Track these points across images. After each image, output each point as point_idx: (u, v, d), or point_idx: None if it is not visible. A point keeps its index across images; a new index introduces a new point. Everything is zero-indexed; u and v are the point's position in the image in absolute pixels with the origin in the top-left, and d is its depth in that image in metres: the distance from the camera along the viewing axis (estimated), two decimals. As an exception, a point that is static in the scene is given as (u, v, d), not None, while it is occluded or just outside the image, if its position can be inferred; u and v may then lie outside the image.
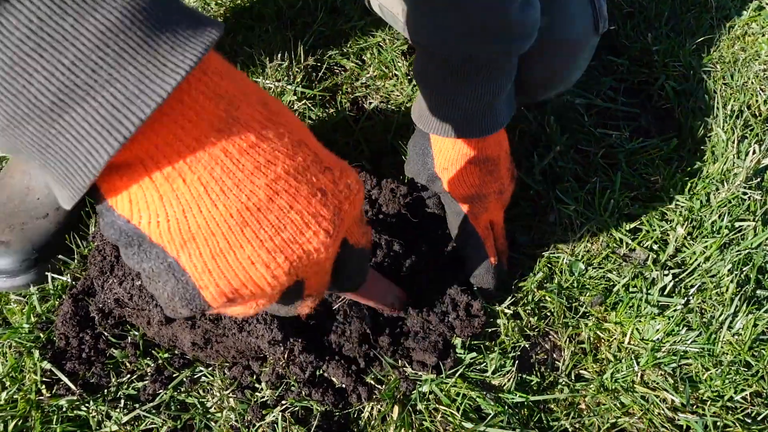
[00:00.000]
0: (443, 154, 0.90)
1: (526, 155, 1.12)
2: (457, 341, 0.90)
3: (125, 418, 0.85)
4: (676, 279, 0.98)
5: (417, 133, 0.94)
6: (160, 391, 0.87)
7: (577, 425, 0.87)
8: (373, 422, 0.85)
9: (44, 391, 0.87)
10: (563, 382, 0.90)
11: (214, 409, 0.86)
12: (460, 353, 0.89)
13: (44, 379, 0.88)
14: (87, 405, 0.86)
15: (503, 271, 0.97)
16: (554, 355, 0.93)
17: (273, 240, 0.39)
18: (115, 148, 0.33)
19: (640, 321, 0.94)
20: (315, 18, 1.32)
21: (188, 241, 0.38)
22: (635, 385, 0.89)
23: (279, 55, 1.24)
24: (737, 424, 0.85)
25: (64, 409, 0.86)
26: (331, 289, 0.56)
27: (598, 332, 0.94)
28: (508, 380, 0.88)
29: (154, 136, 0.36)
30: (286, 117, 0.42)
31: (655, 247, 1.03)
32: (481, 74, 0.78)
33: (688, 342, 0.91)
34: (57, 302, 0.95)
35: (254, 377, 0.86)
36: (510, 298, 0.95)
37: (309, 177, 0.41)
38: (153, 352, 0.91)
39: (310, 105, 1.19)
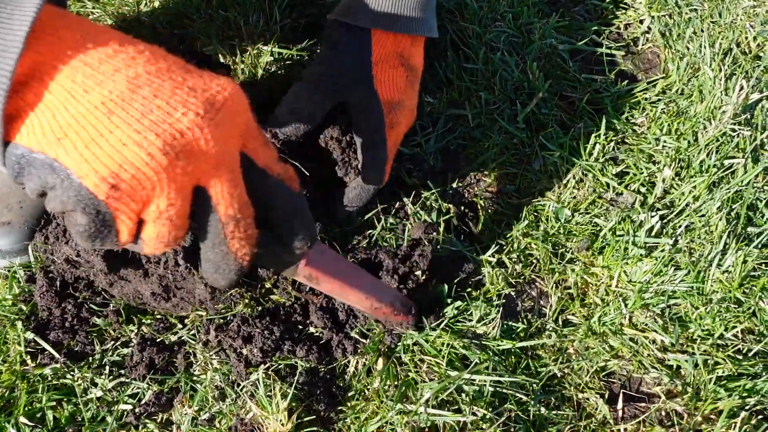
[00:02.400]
0: (378, 50, 0.88)
1: (509, 103, 1.09)
2: (444, 289, 0.89)
3: (110, 384, 0.85)
4: (664, 220, 0.96)
5: (340, 32, 0.90)
6: (145, 355, 0.87)
7: (566, 370, 0.86)
8: (359, 376, 0.84)
9: (29, 361, 0.87)
10: (550, 328, 0.89)
11: (198, 371, 0.86)
12: (446, 305, 0.88)
13: (29, 349, 0.87)
14: (72, 373, 0.86)
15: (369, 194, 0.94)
16: (541, 302, 0.92)
17: (141, 122, 0.42)
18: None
19: (627, 263, 0.92)
20: (290, -23, 1.29)
21: (62, 138, 0.41)
22: (624, 328, 0.88)
23: (254, 17, 1.21)
24: (728, 361, 0.84)
25: (49, 378, 0.86)
26: (281, 256, 0.57)
27: (585, 277, 0.93)
28: (493, 328, 0.87)
29: (21, 66, 0.41)
30: (146, 45, 0.47)
31: (642, 189, 1.01)
32: None
33: (677, 282, 0.90)
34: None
35: (235, 335, 0.85)
36: (494, 246, 0.93)
37: (173, 76, 0.45)
38: (135, 318, 0.90)
39: (288, 65, 1.17)
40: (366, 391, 0.84)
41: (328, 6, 1.26)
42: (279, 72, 1.16)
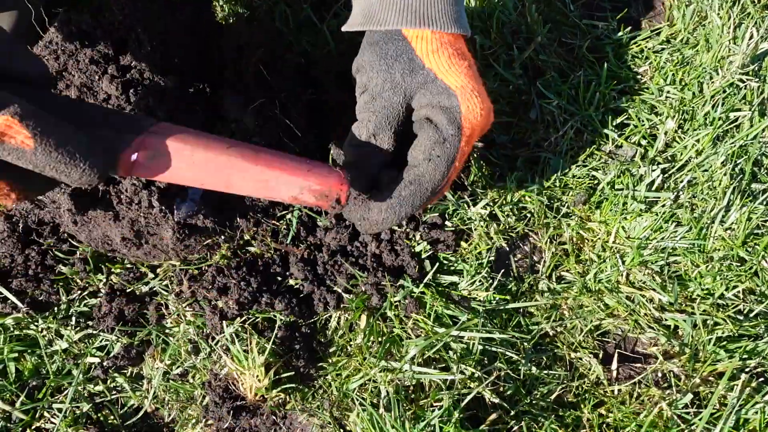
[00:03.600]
0: (424, 41, 0.69)
1: (505, 48, 1.03)
2: (422, 247, 0.84)
3: (77, 336, 0.80)
4: (666, 174, 0.91)
5: (375, 40, 0.71)
6: (114, 306, 0.81)
7: (558, 329, 0.82)
8: (341, 331, 0.80)
9: (-11, 311, 0.81)
10: (544, 286, 0.84)
11: (171, 323, 0.81)
12: (432, 261, 0.84)
13: (-12, 298, 0.82)
14: (36, 323, 0.81)
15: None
16: (534, 258, 0.88)
17: None
18: None
19: (625, 219, 0.88)
20: None
21: None
22: (620, 285, 0.84)
23: None
24: (728, 321, 0.80)
25: (11, 329, 0.80)
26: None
27: (581, 232, 0.88)
28: (484, 287, 0.82)
29: None
30: None
31: (643, 142, 0.95)
32: None
33: (677, 238, 0.85)
34: None
35: (209, 286, 0.80)
36: (486, 199, 0.88)
37: None
38: (103, 267, 0.85)
39: None
40: (348, 347, 0.79)
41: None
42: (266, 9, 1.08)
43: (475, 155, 0.94)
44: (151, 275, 0.84)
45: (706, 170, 0.92)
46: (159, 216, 0.74)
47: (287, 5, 1.05)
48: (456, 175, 0.72)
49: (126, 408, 0.78)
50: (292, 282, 0.82)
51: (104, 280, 0.84)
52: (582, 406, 0.77)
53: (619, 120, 0.97)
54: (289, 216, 0.83)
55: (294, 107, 0.81)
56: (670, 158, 0.94)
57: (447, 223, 0.86)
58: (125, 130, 0.52)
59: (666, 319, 0.82)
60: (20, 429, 0.75)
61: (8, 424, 0.75)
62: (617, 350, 0.81)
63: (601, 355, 0.81)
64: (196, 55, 0.85)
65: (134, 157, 0.52)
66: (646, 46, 1.05)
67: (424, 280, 0.80)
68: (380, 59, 0.68)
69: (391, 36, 0.69)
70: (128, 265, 0.85)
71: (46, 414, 0.77)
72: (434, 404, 0.73)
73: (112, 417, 0.77)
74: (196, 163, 0.53)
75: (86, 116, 0.52)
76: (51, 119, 0.47)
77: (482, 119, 0.68)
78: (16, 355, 0.79)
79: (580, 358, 0.80)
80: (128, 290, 0.83)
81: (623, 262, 0.84)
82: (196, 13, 0.87)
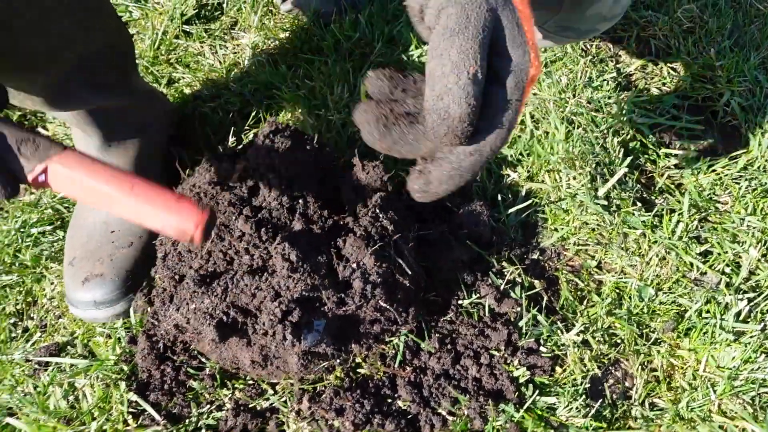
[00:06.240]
0: None
1: (589, 178, 1.11)
2: (521, 372, 0.90)
3: (206, 448, 0.89)
4: (752, 303, 0.96)
5: None
6: (239, 420, 0.90)
7: (653, 456, 0.86)
8: (445, 453, 0.86)
9: (131, 422, 0.91)
10: (637, 413, 0.89)
11: (291, 439, 0.89)
12: (528, 388, 0.90)
13: (130, 409, 0.92)
14: (170, 435, 0.90)
15: None
16: (626, 384, 0.93)
17: None
18: None
19: (715, 348, 0.92)
20: (372, 49, 1.35)
21: None
22: (712, 414, 0.88)
23: (338, 88, 1.27)
24: (823, 456, 0.83)
25: (149, 440, 0.90)
26: None
27: (671, 360, 0.93)
28: (581, 414, 0.87)
29: None
30: None
31: (727, 270, 1.01)
32: None
33: (767, 370, 0.89)
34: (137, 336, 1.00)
35: (327, 407, 0.88)
36: (579, 325, 0.94)
37: None
38: (228, 382, 0.94)
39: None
40: (453, 468, 0.85)
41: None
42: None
43: (563, 278, 1.01)
44: (271, 391, 0.93)
45: (791, 299, 0.96)
46: (288, 344, 0.83)
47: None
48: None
49: None
50: (400, 403, 0.89)
51: (229, 395, 0.93)
52: None
53: (702, 248, 1.03)
54: (396, 341, 0.91)
55: (405, 245, 0.91)
56: (754, 286, 0.99)
57: (542, 348, 0.93)
58: (33, 159, 0.65)
59: (760, 450, 0.85)
60: None
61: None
62: (714, 482, 0.84)
63: (697, 486, 0.84)
64: (317, 194, 0.96)
65: (40, 178, 0.66)
66: (724, 174, 1.12)
67: (525, 405, 0.86)
68: None
69: None
70: (250, 382, 0.95)
71: None
72: None
73: None
74: (85, 188, 0.67)
75: (3, 144, 0.65)
76: None
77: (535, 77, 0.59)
78: (154, 465, 0.88)
79: (677, 488, 0.83)
80: (251, 405, 0.92)
81: (714, 392, 0.88)
82: (316, 156, 1.00)
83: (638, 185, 1.11)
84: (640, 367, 0.92)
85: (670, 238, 1.03)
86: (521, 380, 0.90)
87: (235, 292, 0.86)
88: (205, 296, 0.86)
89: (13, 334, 1.08)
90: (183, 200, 0.69)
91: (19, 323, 1.10)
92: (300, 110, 1.25)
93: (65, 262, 1.07)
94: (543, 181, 1.11)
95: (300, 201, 0.94)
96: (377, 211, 0.93)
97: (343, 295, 0.87)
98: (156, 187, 0.69)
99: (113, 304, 1.02)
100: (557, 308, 0.99)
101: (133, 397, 0.92)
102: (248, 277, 0.86)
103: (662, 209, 1.06)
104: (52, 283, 1.12)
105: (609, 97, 1.21)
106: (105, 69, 0.96)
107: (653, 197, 1.10)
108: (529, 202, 1.09)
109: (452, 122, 0.51)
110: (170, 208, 0.68)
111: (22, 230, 1.19)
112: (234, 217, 0.91)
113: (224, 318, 0.84)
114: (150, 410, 0.91)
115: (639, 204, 1.08)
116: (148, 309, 1.01)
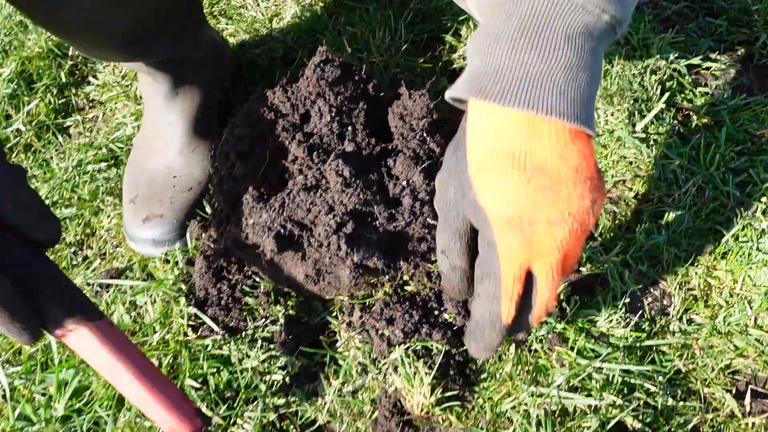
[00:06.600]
0: (479, 149, 0.57)
1: (627, 114, 1.14)
2: (562, 288, 0.94)
3: (263, 357, 0.94)
4: (788, 228, 0.99)
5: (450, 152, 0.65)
6: (293, 333, 0.95)
7: (690, 366, 0.89)
8: (491, 360, 0.90)
9: (190, 333, 0.97)
10: (675, 327, 0.92)
11: (342, 348, 0.94)
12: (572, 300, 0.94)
13: (190, 323, 0.98)
14: (228, 345, 0.95)
15: (520, 329, 0.66)
16: (664, 302, 0.96)
17: None
18: None
19: (751, 268, 0.95)
20: (412, -4, 1.39)
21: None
22: (749, 328, 0.91)
23: (380, 33, 1.31)
24: None
25: (209, 348, 0.95)
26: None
27: (708, 279, 0.96)
28: (621, 325, 0.91)
29: None
30: None
31: (764, 199, 1.03)
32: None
33: (803, 286, 0.92)
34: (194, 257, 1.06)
35: (378, 317, 0.93)
36: (618, 247, 0.98)
37: None
38: (282, 300, 0.99)
39: (411, 77, 1.25)
40: (498, 374, 0.89)
41: (445, 21, 1.35)
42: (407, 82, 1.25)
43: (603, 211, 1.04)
44: (322, 308, 0.98)
45: (827, 225, 0.98)
46: (341, 257, 0.88)
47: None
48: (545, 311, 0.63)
49: (303, 419, 0.91)
50: (446, 316, 0.93)
51: (283, 311, 0.98)
52: (717, 438, 0.83)
53: (739, 179, 1.05)
54: (442, 259, 0.96)
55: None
56: (790, 213, 1.01)
57: (582, 268, 0.96)
58: (67, 315, 0.67)
59: (795, 362, 0.88)
60: (216, 434, 0.89)
61: (209, 428, 0.89)
62: (749, 386, 0.87)
63: (733, 391, 0.87)
64: (365, 123, 1.00)
65: (65, 338, 0.69)
66: (760, 110, 1.14)
67: (566, 317, 0.90)
68: None
69: None
70: (301, 299, 1.00)
71: (238, 421, 0.90)
72: (581, 425, 0.82)
73: (292, 426, 0.90)
74: (102, 364, 0.71)
75: (48, 290, 0.66)
76: (15, 300, 0.61)
77: (529, 255, 0.58)
78: (214, 370, 0.94)
79: (713, 393, 0.87)
80: (303, 320, 0.97)
81: (751, 307, 0.91)
82: (365, 87, 1.04)
83: (675, 121, 1.14)
84: (677, 286, 0.95)
85: (707, 169, 1.06)
86: (562, 296, 0.94)
87: (291, 207, 0.91)
88: (264, 211, 0.91)
89: (74, 262, 1.15)
90: (187, 407, 0.76)
91: (80, 252, 1.17)
92: (343, 54, 1.29)
93: (126, 200, 1.13)
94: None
95: (349, 128, 0.98)
96: (424, 134, 0.97)
97: (393, 211, 0.91)
98: (168, 382, 0.77)
99: (170, 244, 1.08)
100: (596, 236, 1.03)
101: (193, 310, 0.98)
102: (304, 193, 0.91)
103: (699, 143, 1.08)
104: (108, 216, 1.18)
105: (646, 38, 1.23)
106: (175, 19, 1.01)
107: (690, 134, 1.12)
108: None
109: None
110: (169, 410, 0.74)
111: (78, 167, 1.25)
112: (287, 142, 0.96)
113: (281, 230, 0.89)
114: (209, 322, 0.96)
115: (677, 137, 1.10)
116: (203, 235, 1.06)
